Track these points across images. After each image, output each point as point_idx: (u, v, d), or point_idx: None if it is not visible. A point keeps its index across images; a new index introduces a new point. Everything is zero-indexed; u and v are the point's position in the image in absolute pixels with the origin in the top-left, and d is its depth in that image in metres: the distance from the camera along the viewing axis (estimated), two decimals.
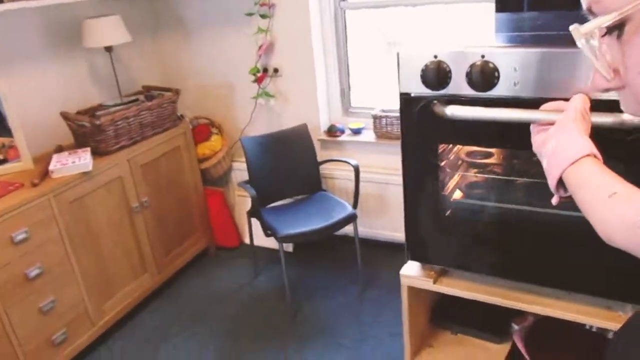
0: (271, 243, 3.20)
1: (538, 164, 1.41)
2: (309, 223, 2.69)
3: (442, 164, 1.48)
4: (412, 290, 1.56)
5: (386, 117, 3.01)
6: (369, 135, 3.14)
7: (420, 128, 1.34)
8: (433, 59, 1.23)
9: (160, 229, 2.99)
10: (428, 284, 1.49)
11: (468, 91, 1.22)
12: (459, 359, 1.63)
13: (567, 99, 1.10)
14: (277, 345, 2.58)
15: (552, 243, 1.32)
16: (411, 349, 1.63)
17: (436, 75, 1.23)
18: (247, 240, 3.41)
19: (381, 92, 3.49)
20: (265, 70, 3.21)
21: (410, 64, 1.28)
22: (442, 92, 1.25)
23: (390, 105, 3.10)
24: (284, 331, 2.67)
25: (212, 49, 3.33)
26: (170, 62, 3.52)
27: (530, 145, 0.88)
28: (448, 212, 1.49)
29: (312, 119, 3.16)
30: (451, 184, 1.54)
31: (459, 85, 1.23)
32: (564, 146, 0.78)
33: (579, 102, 0.85)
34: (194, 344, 2.66)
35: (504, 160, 1.49)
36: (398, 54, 1.28)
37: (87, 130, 2.63)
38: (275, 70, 3.19)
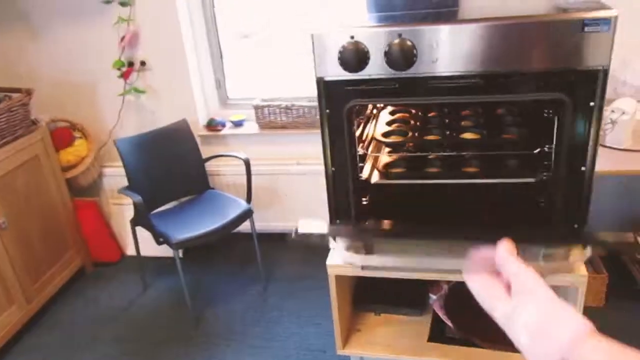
0: (158, 251, 2.96)
1: (449, 137, 1.50)
2: (204, 224, 2.53)
3: (359, 147, 1.46)
4: (338, 279, 1.53)
5: (268, 106, 2.94)
6: (251, 127, 3.04)
7: (340, 113, 1.29)
8: (350, 40, 1.19)
9: (25, 252, 2.59)
10: (356, 271, 1.47)
11: (387, 71, 1.20)
12: (388, 337, 1.65)
13: (487, 75, 1.14)
14: (184, 357, 2.40)
15: (463, 205, 1.42)
16: (342, 336, 1.60)
17: (355, 56, 1.19)
18: (129, 252, 3.12)
19: (257, 82, 3.40)
20: (131, 63, 2.93)
21: (325, 46, 1.22)
22: (362, 73, 1.22)
23: (272, 94, 3.04)
24: (188, 342, 2.49)
25: (66, 43, 2.95)
26: (15, 60, 3.04)
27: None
28: (367, 197, 1.48)
29: (190, 113, 2.96)
30: (368, 167, 1.53)
31: (377, 65, 1.20)
32: (551, 322, 0.59)
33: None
34: None
35: (417, 138, 1.52)
36: (312, 36, 1.22)
37: None
38: (143, 63, 2.93)
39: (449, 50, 1.16)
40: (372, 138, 1.57)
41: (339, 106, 1.29)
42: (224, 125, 3.06)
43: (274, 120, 2.96)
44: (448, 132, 1.48)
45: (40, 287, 2.69)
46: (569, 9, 1.14)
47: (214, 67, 3.07)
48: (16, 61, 3.04)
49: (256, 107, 2.96)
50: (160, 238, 2.48)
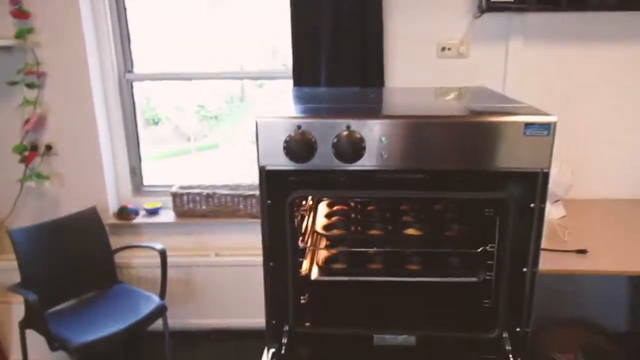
0: (53, 356, 2.57)
1: (391, 232, 1.46)
2: (110, 324, 2.25)
3: (299, 241, 1.39)
4: None
5: (187, 194, 2.80)
6: (168, 215, 2.86)
7: (282, 204, 1.23)
8: (297, 130, 1.16)
9: None
10: None
11: (335, 163, 1.17)
12: None
13: (432, 172, 1.15)
14: None
15: (406, 304, 1.37)
16: None
17: (302, 147, 1.15)
18: (15, 358, 2.68)
19: (174, 168, 3.28)
20: (34, 147, 2.69)
21: (270, 134, 1.18)
22: (308, 164, 1.18)
23: (190, 182, 2.91)
24: None
25: None
26: None
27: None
28: (306, 295, 1.39)
29: (99, 201, 2.74)
30: (307, 262, 1.45)
31: (325, 157, 1.17)
32: None
33: None
34: None
35: (359, 232, 1.47)
36: (257, 123, 1.17)
37: None
38: (48, 148, 2.71)
39: (397, 145, 1.16)
40: (312, 231, 1.51)
41: (281, 197, 1.23)
42: (137, 213, 2.86)
43: (193, 208, 2.81)
44: (390, 227, 1.46)
45: None
46: (489, 112, 1.20)
47: (129, 153, 2.92)
48: None
49: (174, 195, 2.81)
50: (55, 342, 2.15)
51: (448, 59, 2.48)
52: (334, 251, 1.48)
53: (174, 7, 2.90)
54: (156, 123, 4.03)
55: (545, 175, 1.14)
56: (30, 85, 2.59)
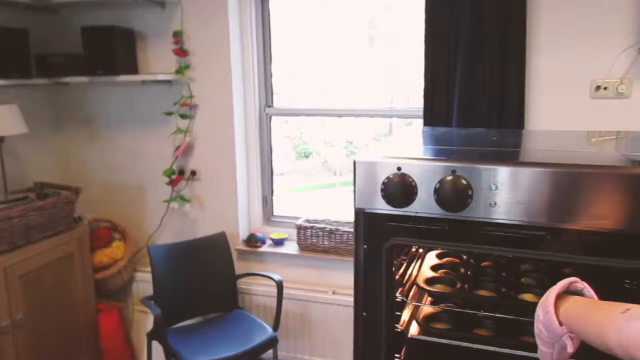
0: None
1: (505, 295, 1.28)
2: (223, 348, 2.31)
3: (398, 293, 1.27)
4: None
5: (312, 228, 2.81)
6: (291, 247, 2.90)
7: (378, 251, 1.13)
8: (396, 172, 1.07)
9: (34, 355, 2.43)
10: None
11: (436, 210, 1.06)
12: None
13: (548, 228, 0.99)
14: None
15: None
16: None
17: (400, 190, 1.06)
18: None
19: (305, 201, 3.34)
20: (181, 172, 2.95)
21: (369, 175, 1.10)
22: (407, 209, 1.08)
23: (316, 216, 2.94)
24: None
25: (124, 146, 3.04)
26: (73, 158, 3.15)
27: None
28: (403, 350, 1.25)
29: (230, 227, 2.89)
30: (406, 316, 1.33)
31: (425, 203, 1.06)
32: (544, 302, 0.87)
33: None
34: None
35: (466, 290, 1.31)
36: (355, 163, 1.11)
37: None
38: (193, 173, 2.94)
39: (510, 194, 1.00)
40: (414, 283, 1.38)
41: (378, 243, 1.14)
42: (264, 242, 2.95)
43: (316, 243, 2.81)
44: (504, 290, 1.27)
45: None
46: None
47: (263, 184, 3.04)
48: (73, 158, 3.14)
49: (299, 228, 2.85)
50: (172, 358, 2.27)
51: (604, 100, 2.17)
52: (437, 308, 1.33)
53: (320, 45, 3.01)
54: (307, 156, 4.20)
55: None
56: (183, 116, 2.85)
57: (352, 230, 2.73)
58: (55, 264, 2.54)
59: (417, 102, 2.73)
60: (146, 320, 2.94)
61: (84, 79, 2.72)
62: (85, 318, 2.73)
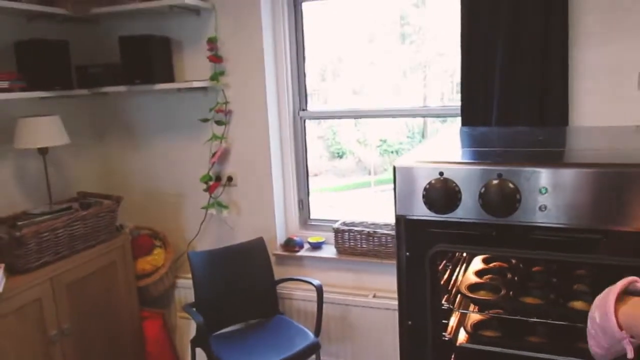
0: None
1: (553, 302, 1.21)
2: (266, 355, 2.31)
3: (444, 300, 1.23)
4: None
5: (349, 231, 2.79)
6: (329, 251, 2.88)
7: (422, 258, 1.10)
8: (438, 177, 1.03)
9: None
10: None
11: (482, 216, 1.01)
12: None
13: (610, 232, 0.93)
14: None
15: None
16: None
17: (443, 196, 1.02)
18: None
19: (340, 201, 3.32)
20: (218, 178, 2.97)
21: (410, 181, 1.07)
22: (450, 215, 1.04)
23: (353, 218, 2.91)
24: None
25: (162, 154, 3.09)
26: (114, 167, 3.22)
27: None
28: (452, 359, 1.21)
29: (268, 232, 2.89)
30: (453, 323, 1.28)
31: (469, 208, 1.02)
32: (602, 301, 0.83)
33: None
34: None
35: (511, 297, 1.25)
36: (395, 169, 1.08)
37: (3, 243, 2.23)
38: (230, 179, 2.96)
39: (560, 197, 0.95)
40: (459, 289, 1.34)
41: (421, 250, 1.10)
42: (301, 246, 2.94)
43: (354, 246, 2.78)
44: (553, 296, 1.20)
45: None
46: None
47: (299, 188, 3.03)
48: (113, 167, 3.21)
49: (336, 231, 2.82)
50: None
51: None
52: (486, 315, 1.28)
53: (352, 45, 2.98)
54: (340, 156, 4.18)
55: None
56: (219, 122, 2.87)
57: (390, 232, 2.70)
58: (99, 273, 2.59)
59: (451, 99, 2.66)
60: (189, 327, 2.97)
61: (122, 88, 2.77)
62: (130, 325, 2.78)
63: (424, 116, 2.87)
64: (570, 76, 2.12)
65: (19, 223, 2.33)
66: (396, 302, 2.56)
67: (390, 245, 2.70)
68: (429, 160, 1.06)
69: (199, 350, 2.48)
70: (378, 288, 2.75)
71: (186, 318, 3.01)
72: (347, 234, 2.80)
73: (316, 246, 2.92)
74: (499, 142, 1.31)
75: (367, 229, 2.76)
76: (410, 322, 1.16)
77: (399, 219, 1.10)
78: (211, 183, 2.94)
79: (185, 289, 3.01)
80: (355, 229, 2.78)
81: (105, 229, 2.63)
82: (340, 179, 4.17)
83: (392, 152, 3.88)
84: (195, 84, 2.76)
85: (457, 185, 1.02)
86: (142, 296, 2.89)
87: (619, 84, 2.11)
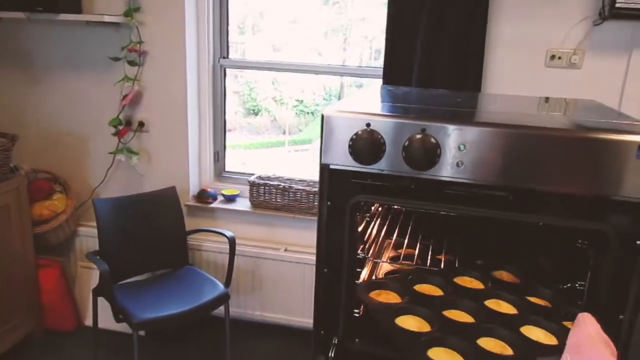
0: (120, 325, 2.66)
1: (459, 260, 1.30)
2: (173, 305, 2.27)
3: (359, 250, 1.28)
4: None
5: (265, 185, 2.78)
6: (243, 204, 2.86)
7: (342, 208, 1.12)
8: (365, 128, 1.04)
9: None
10: None
11: (403, 169, 1.05)
12: None
13: (517, 190, 0.99)
14: None
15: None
16: None
17: (369, 147, 1.04)
18: (87, 322, 2.82)
19: (254, 159, 3.29)
20: (128, 123, 2.80)
21: (336, 130, 1.07)
22: (374, 166, 1.06)
23: (269, 173, 2.90)
24: None
25: (65, 91, 2.84)
26: (9, 101, 2.92)
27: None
28: (362, 306, 1.26)
29: (181, 182, 2.80)
30: (366, 273, 1.33)
31: (392, 160, 1.05)
32: None
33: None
34: None
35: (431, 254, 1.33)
36: (323, 117, 1.08)
37: None
38: (141, 124, 2.80)
39: (478, 155, 1.00)
40: (376, 240, 1.39)
41: (342, 200, 1.12)
42: (215, 198, 2.88)
43: (269, 200, 2.78)
44: (459, 256, 1.29)
45: None
46: (596, 128, 1.00)
47: (215, 139, 2.95)
48: (8, 102, 2.92)
49: (252, 184, 2.80)
50: (120, 314, 2.21)
51: (557, 69, 2.23)
52: (397, 266, 1.34)
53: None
54: (256, 114, 4.10)
55: None
56: (131, 63, 2.69)
57: (305, 188, 2.72)
58: None
59: (371, 62, 2.70)
60: (90, 277, 2.84)
61: (20, 14, 2.49)
62: (23, 273, 2.60)
63: (343, 74, 2.89)
64: (487, 46, 2.23)
65: None
66: (307, 256, 2.64)
67: (305, 201, 2.73)
68: (357, 111, 1.07)
69: (101, 300, 2.39)
70: (290, 242, 2.79)
71: (88, 268, 2.88)
72: (262, 187, 2.78)
73: (230, 199, 2.88)
74: (420, 101, 1.35)
75: (283, 184, 2.76)
76: (326, 270, 1.19)
77: (323, 167, 1.11)
78: (121, 127, 2.77)
79: (88, 238, 2.86)
80: (271, 183, 2.77)
81: None
82: (255, 136, 4.12)
83: (308, 113, 3.88)
84: (107, 19, 2.55)
85: (382, 137, 1.04)
86: (39, 243, 2.70)
87: (530, 59, 2.25)
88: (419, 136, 1.01)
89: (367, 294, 0.98)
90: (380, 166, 1.06)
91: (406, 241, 1.40)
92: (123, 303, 2.24)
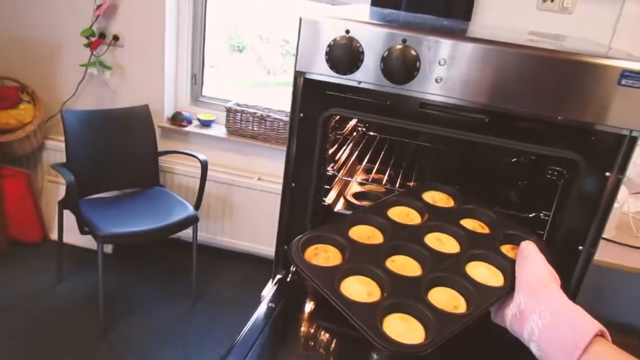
0: (86, 241, 2.65)
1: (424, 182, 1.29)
2: (140, 222, 2.25)
3: (329, 167, 1.25)
4: None
5: (242, 112, 2.71)
6: (219, 130, 2.81)
7: (314, 120, 1.09)
8: (344, 34, 0.99)
9: None
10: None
11: (380, 81, 1.01)
12: None
13: (493, 112, 0.96)
14: None
15: None
16: None
17: (347, 54, 0.99)
18: (53, 236, 2.79)
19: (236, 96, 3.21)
20: (102, 35, 2.67)
21: (314, 36, 1.02)
22: (350, 77, 1.02)
23: (247, 100, 2.83)
24: (89, 352, 2.17)
25: None
26: None
27: None
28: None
29: (155, 102, 2.71)
30: (334, 193, 1.32)
31: (370, 72, 1.01)
32: (562, 325, 0.66)
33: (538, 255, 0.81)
34: None
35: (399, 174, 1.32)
36: (301, 21, 1.02)
37: None
38: (115, 38, 2.68)
39: (458, 72, 0.97)
40: (347, 161, 1.37)
41: (315, 112, 1.08)
42: (190, 121, 2.82)
43: (245, 128, 2.73)
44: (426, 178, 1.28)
45: None
46: (579, 52, 0.97)
47: (193, 61, 2.85)
48: None
49: (229, 110, 2.73)
50: (85, 227, 2.19)
51: (548, 12, 2.17)
52: (365, 188, 1.33)
53: None
54: (240, 51, 3.95)
55: (633, 140, 0.93)
56: None
57: (282, 118, 2.68)
58: None
59: None
60: (57, 191, 2.79)
61: None
62: None
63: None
64: None
65: None
66: (280, 187, 2.62)
67: (282, 130, 2.69)
68: (336, 17, 1.02)
69: (67, 216, 2.35)
70: (264, 172, 2.76)
71: (55, 182, 2.82)
72: (239, 114, 2.73)
73: (206, 124, 2.82)
74: (405, 23, 1.29)
75: (260, 112, 2.70)
76: (294, 184, 1.17)
77: (298, 75, 1.06)
78: (93, 39, 2.64)
79: (56, 152, 2.79)
80: (249, 110, 2.71)
81: None
82: (238, 74, 4.00)
83: (294, 54, 3.77)
84: None
85: (361, 46, 0.99)
86: (4, 153, 2.62)
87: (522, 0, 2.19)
88: (399, 47, 0.97)
89: (302, 254, 0.88)
90: (357, 77, 1.02)
91: (376, 167, 1.38)
92: (89, 216, 2.20)
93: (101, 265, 2.20)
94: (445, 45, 0.96)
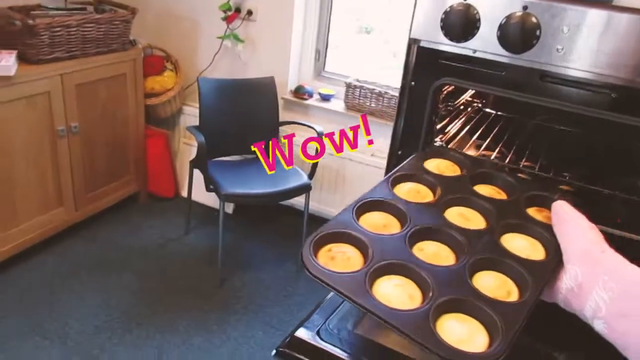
0: (210, 200, 2.90)
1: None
2: (259, 185, 2.41)
3: (437, 138, 1.25)
4: None
5: (361, 88, 2.76)
6: (338, 105, 2.88)
7: (425, 89, 1.09)
8: (461, 1, 0.98)
9: (87, 161, 2.62)
10: None
11: (496, 50, 0.98)
12: None
13: (625, 88, 0.88)
14: (196, 313, 2.30)
15: None
16: None
17: (462, 21, 0.98)
18: (184, 193, 3.09)
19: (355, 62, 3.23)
20: (238, 9, 2.86)
21: (430, 2, 1.02)
22: (465, 45, 1.01)
23: (366, 77, 2.86)
24: (207, 299, 2.39)
25: None
26: None
27: None
28: None
29: (280, 74, 2.86)
30: None
31: (486, 40, 0.99)
32: (638, 296, 0.57)
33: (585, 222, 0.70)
34: (98, 296, 2.33)
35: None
36: None
37: (16, 30, 2.21)
38: (250, 13, 2.85)
39: (582, 41, 0.91)
40: (454, 136, 1.35)
41: (427, 80, 1.09)
42: (311, 95, 2.93)
43: (362, 103, 2.77)
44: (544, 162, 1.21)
45: (91, 199, 2.71)
46: None
47: (318, 37, 2.94)
48: None
49: (348, 86, 2.79)
50: (210, 185, 2.40)
51: None
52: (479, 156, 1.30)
53: None
54: (368, 32, 3.98)
55: None
56: None
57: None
58: (109, 82, 2.61)
59: None
60: (190, 152, 3.08)
61: None
62: (134, 138, 2.87)
63: None
64: None
65: (33, 13, 2.30)
66: None
67: None
68: None
69: (196, 172, 2.59)
70: (377, 148, 2.79)
71: (188, 144, 3.11)
72: (358, 90, 2.77)
73: (326, 98, 2.91)
74: None
75: (379, 89, 2.72)
76: (400, 152, 1.19)
77: (412, 43, 1.07)
78: (230, 13, 2.84)
79: (191, 117, 3.06)
80: (367, 86, 2.74)
81: (118, 38, 2.60)
82: (363, 56, 4.01)
83: None
84: None
85: (478, 13, 0.98)
86: (148, 115, 2.94)
87: None
88: (519, 14, 0.94)
89: (316, 260, 0.72)
90: (472, 45, 1.00)
91: (485, 143, 1.34)
92: (215, 176, 2.41)
93: (222, 222, 2.40)
94: (573, 13, 0.91)
